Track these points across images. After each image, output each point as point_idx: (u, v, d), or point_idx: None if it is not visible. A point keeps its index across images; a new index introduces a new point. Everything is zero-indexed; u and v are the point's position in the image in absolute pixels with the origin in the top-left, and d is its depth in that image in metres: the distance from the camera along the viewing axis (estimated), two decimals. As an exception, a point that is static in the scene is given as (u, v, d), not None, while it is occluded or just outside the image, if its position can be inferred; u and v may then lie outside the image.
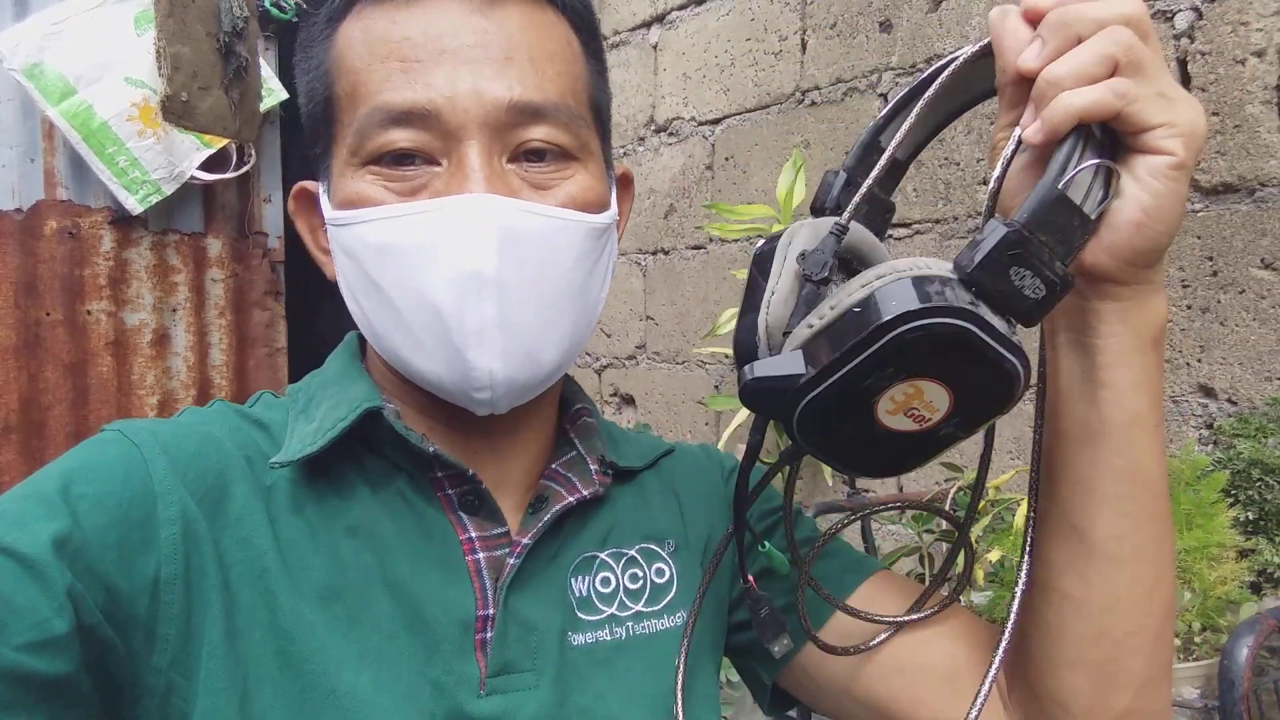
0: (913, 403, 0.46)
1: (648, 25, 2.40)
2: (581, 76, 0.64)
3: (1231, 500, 1.09)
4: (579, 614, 0.66)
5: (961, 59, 0.54)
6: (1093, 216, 0.46)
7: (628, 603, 0.68)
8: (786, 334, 0.50)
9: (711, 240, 2.17)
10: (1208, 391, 1.33)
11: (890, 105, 0.58)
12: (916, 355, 0.44)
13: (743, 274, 1.83)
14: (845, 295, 0.47)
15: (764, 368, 0.48)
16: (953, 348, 0.44)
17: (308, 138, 0.66)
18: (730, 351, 1.94)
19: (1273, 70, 1.26)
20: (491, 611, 0.62)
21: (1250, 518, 1.08)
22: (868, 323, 0.44)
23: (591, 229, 0.62)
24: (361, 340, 0.73)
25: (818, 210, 0.59)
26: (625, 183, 0.73)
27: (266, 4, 2.74)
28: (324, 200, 0.64)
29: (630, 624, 0.68)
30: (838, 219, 0.52)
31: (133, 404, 2.72)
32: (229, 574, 0.58)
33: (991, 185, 0.50)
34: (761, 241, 0.55)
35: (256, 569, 0.58)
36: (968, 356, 0.44)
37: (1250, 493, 1.09)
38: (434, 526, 0.64)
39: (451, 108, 0.58)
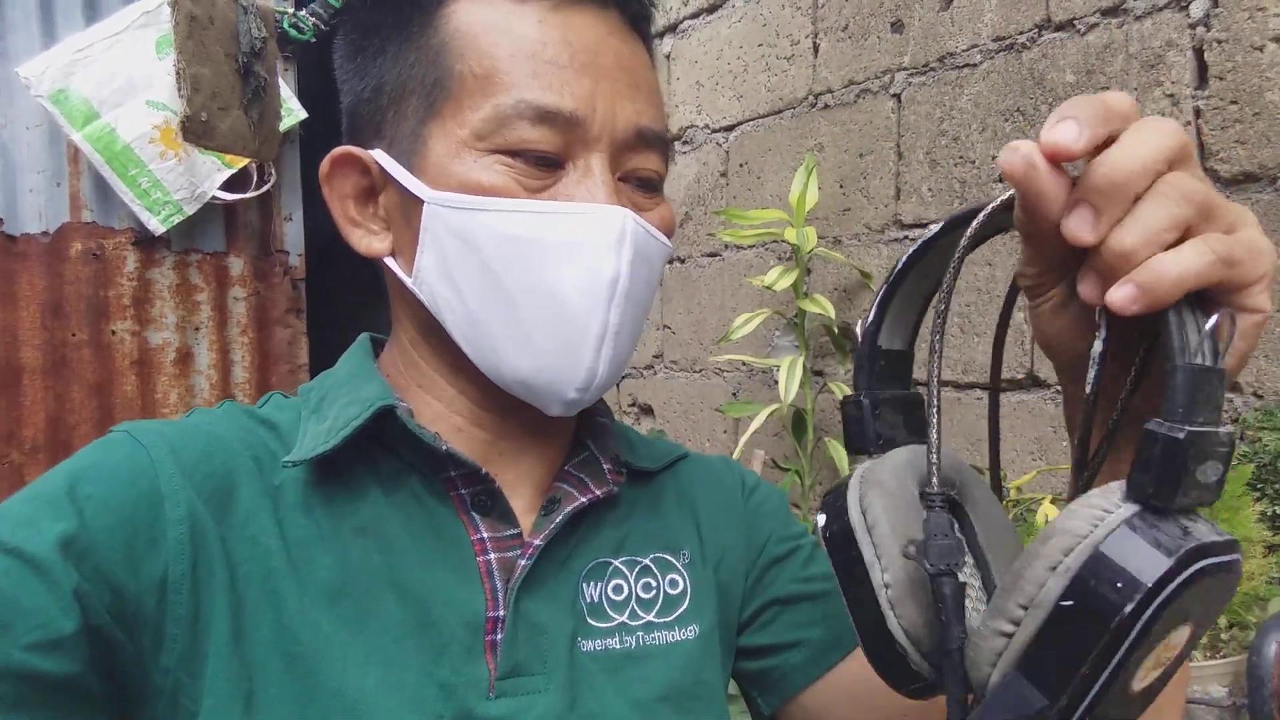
0: (1162, 655, 0.39)
1: (660, 36, 2.40)
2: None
3: (1258, 494, 1.06)
4: (590, 620, 0.66)
5: (934, 235, 0.48)
6: (1223, 366, 0.39)
7: (640, 612, 0.67)
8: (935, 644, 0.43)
9: (726, 247, 2.16)
10: (1233, 386, 1.29)
11: (876, 300, 0.51)
12: (1169, 616, 0.37)
13: (758, 280, 1.83)
14: (1031, 585, 0.38)
15: (997, 712, 0.40)
16: (1197, 585, 0.37)
17: (369, 107, 0.65)
18: (747, 358, 1.93)
19: (1291, 55, 1.23)
20: (502, 613, 0.62)
21: (1277, 512, 1.05)
22: (1111, 611, 0.37)
23: (668, 253, 0.67)
24: (375, 343, 0.73)
25: (857, 449, 0.52)
26: None
27: (285, 25, 2.77)
28: (402, 173, 0.62)
29: (641, 634, 0.67)
30: (927, 488, 0.44)
31: (157, 422, 2.75)
32: (235, 573, 0.58)
33: (1089, 390, 0.42)
34: (821, 521, 0.48)
35: (263, 569, 0.58)
36: (1209, 582, 0.38)
37: (1277, 486, 1.06)
38: (445, 527, 0.63)
39: (594, 118, 0.60)
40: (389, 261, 0.65)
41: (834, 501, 0.48)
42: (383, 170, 0.63)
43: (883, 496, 0.46)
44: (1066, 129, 0.39)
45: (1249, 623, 0.93)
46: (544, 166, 0.60)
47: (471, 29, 0.61)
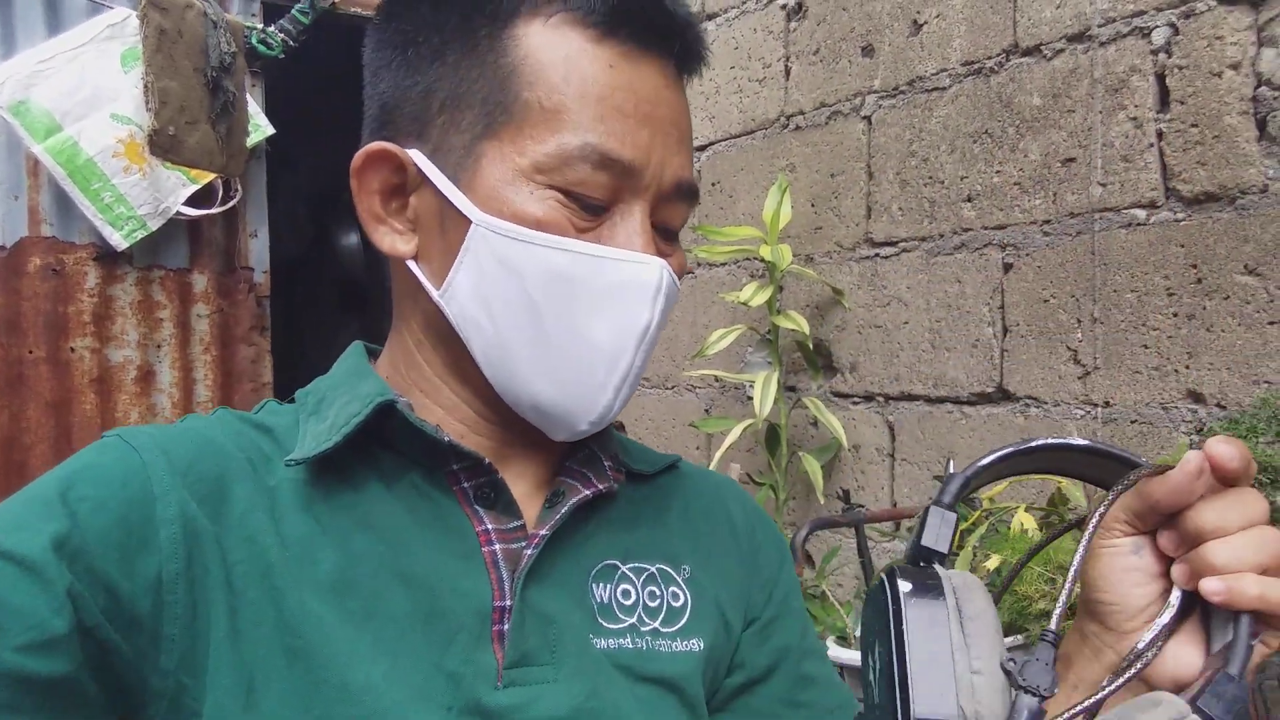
0: None
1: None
2: None
3: (1227, 499, 1.10)
4: (600, 620, 0.66)
5: (1067, 446, 0.54)
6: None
7: (646, 619, 0.68)
8: None
9: (699, 264, 2.18)
10: (1196, 397, 1.34)
11: (992, 459, 0.54)
12: None
13: (733, 296, 1.85)
14: None
15: None
16: None
17: (418, 105, 0.64)
18: (720, 374, 1.95)
19: (1248, 82, 1.29)
20: (509, 603, 0.62)
21: (1246, 516, 1.09)
22: None
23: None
24: (369, 351, 0.73)
25: (925, 556, 0.53)
26: None
27: (254, 40, 2.76)
28: (446, 184, 0.62)
29: (649, 639, 0.67)
30: (1046, 628, 0.48)
31: (116, 441, 2.69)
32: (232, 572, 0.57)
33: (1147, 650, 0.49)
34: (906, 588, 0.49)
35: (261, 566, 0.58)
36: None
37: (1245, 492, 1.10)
38: (450, 518, 0.63)
39: (647, 170, 0.62)
40: (412, 265, 0.65)
41: (922, 575, 0.49)
42: (420, 173, 0.63)
43: (983, 599, 0.49)
44: (1230, 451, 0.49)
45: (1223, 622, 0.96)
46: (593, 210, 0.62)
47: (543, 59, 0.61)
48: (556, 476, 0.69)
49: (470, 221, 0.61)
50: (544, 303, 0.61)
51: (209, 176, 2.68)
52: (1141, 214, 1.40)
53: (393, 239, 0.66)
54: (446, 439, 0.62)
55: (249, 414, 0.67)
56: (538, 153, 0.61)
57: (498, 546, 0.63)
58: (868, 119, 1.84)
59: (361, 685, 0.56)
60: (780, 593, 0.76)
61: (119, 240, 2.63)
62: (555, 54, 0.61)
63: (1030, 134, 1.55)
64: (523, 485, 0.68)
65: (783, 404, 1.88)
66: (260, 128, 2.80)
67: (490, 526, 0.64)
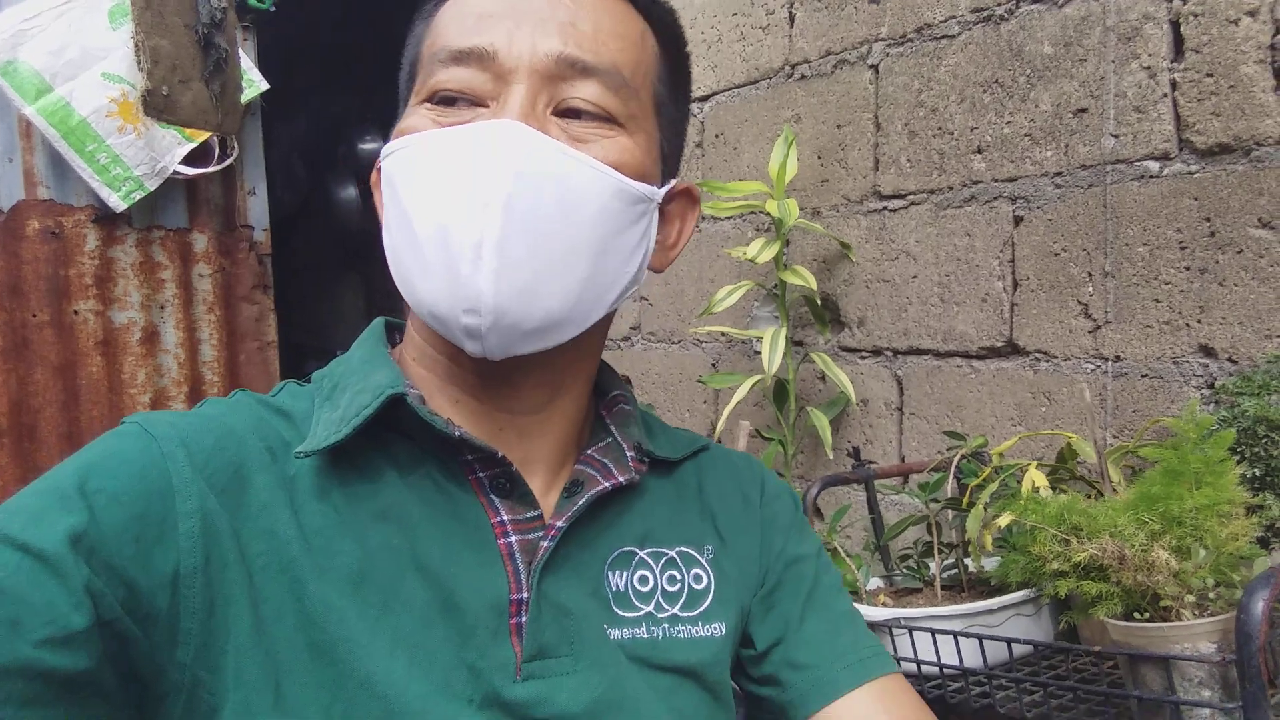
0: None
1: (631, 4, 2.38)
2: (646, 65, 0.67)
3: (1238, 457, 1.10)
4: (615, 608, 0.66)
5: None
6: None
7: (665, 604, 0.68)
8: None
9: (704, 219, 2.16)
10: (1208, 351, 1.34)
11: None
12: None
13: (737, 251, 1.84)
14: None
15: None
16: None
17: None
18: (727, 330, 1.94)
19: (1266, 30, 1.26)
20: (525, 595, 0.62)
21: (1257, 474, 1.09)
22: None
23: (622, 189, 0.63)
24: (389, 327, 0.73)
25: None
26: (690, 198, 0.74)
27: (243, -7, 2.70)
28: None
29: (666, 625, 0.67)
30: None
31: (124, 403, 2.70)
32: (252, 566, 0.58)
33: None
34: None
35: (281, 559, 0.58)
36: None
37: (1256, 449, 1.10)
38: (465, 509, 0.63)
39: (508, 51, 0.61)
40: None
41: None
42: None
43: None
44: None
45: (1234, 581, 0.97)
46: (458, 105, 0.62)
47: (440, 19, 0.65)
48: (575, 465, 0.69)
49: None
50: (407, 198, 0.61)
51: (204, 135, 2.64)
52: (1154, 166, 1.39)
53: None
54: (458, 433, 0.62)
55: (268, 397, 0.67)
56: (418, 85, 0.64)
57: (514, 538, 0.63)
58: (875, 68, 1.80)
59: (384, 678, 0.57)
60: (783, 560, 0.75)
61: (117, 201, 2.60)
62: (447, 10, 0.65)
63: (1041, 84, 1.52)
64: (537, 471, 0.68)
65: (790, 359, 1.88)
66: (254, 84, 2.76)
67: (506, 518, 0.64)
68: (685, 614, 0.68)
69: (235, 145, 2.77)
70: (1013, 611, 1.27)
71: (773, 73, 2.02)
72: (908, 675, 1.28)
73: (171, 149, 2.65)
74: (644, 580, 0.68)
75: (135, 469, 0.56)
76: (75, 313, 2.64)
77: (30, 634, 0.49)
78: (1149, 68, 1.38)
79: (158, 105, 2.29)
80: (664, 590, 0.68)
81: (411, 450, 0.64)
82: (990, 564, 1.34)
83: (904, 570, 1.45)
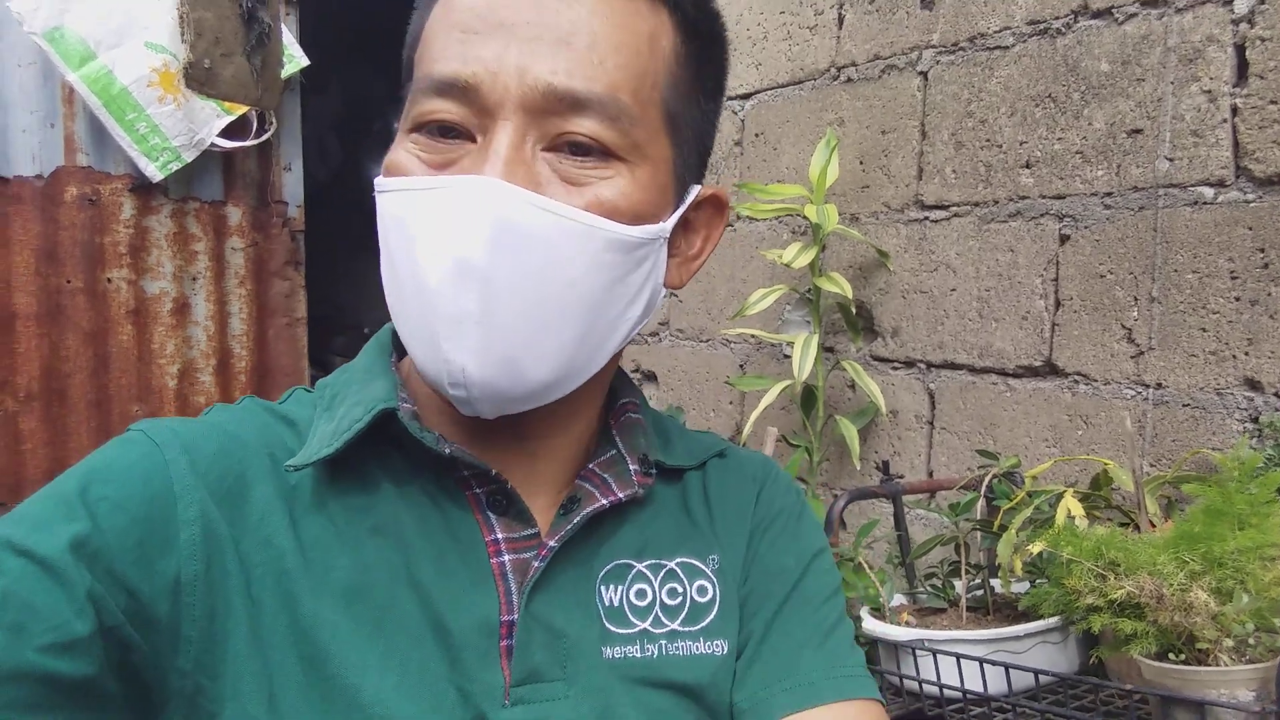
0: None
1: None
2: (654, 75, 0.60)
3: (1284, 499, 1.08)
4: (608, 625, 0.63)
5: None
6: None
7: (664, 619, 0.64)
8: None
9: (739, 218, 2.15)
10: (1254, 385, 1.31)
11: None
12: None
13: (773, 254, 1.82)
14: None
15: None
16: None
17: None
18: (758, 333, 1.92)
19: (1335, 57, 1.23)
20: (515, 617, 0.60)
21: (1303, 517, 1.07)
22: None
23: (615, 240, 0.58)
24: (396, 333, 0.71)
25: None
26: (717, 205, 0.69)
27: (288, -32, 2.69)
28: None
29: (664, 642, 0.64)
30: None
31: (153, 373, 2.72)
32: (250, 575, 0.57)
33: None
34: None
35: (277, 570, 0.58)
36: None
37: (1303, 491, 1.07)
38: (460, 527, 0.62)
39: (492, 83, 0.55)
40: None
41: None
42: None
43: None
44: None
45: (1276, 627, 0.95)
46: (449, 140, 0.57)
47: (431, 17, 0.61)
48: (576, 480, 0.66)
49: None
50: (393, 250, 0.58)
51: (242, 108, 2.65)
52: (1209, 192, 1.35)
53: None
54: (449, 450, 0.60)
55: (275, 405, 0.66)
56: (407, 105, 0.60)
57: (507, 558, 0.62)
58: (924, 74, 1.78)
59: (373, 696, 0.56)
60: (760, 568, 0.70)
61: (154, 171, 2.62)
62: (437, 9, 0.60)
63: (1096, 101, 1.49)
64: (539, 487, 0.65)
65: (820, 365, 1.86)
66: (294, 59, 2.76)
67: (501, 536, 0.62)
68: (686, 629, 0.65)
69: (273, 120, 2.78)
70: (1039, 639, 1.25)
71: (818, 74, 2.00)
72: (929, 699, 1.27)
73: (210, 121, 2.66)
74: (641, 594, 0.65)
75: (138, 476, 0.56)
76: (109, 280, 2.66)
77: (34, 639, 0.49)
78: (1209, 91, 1.35)
79: (199, 78, 2.29)
80: (663, 604, 0.65)
81: (409, 464, 0.62)
82: (1020, 588, 1.32)
83: (929, 589, 1.44)
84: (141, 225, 2.70)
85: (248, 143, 2.75)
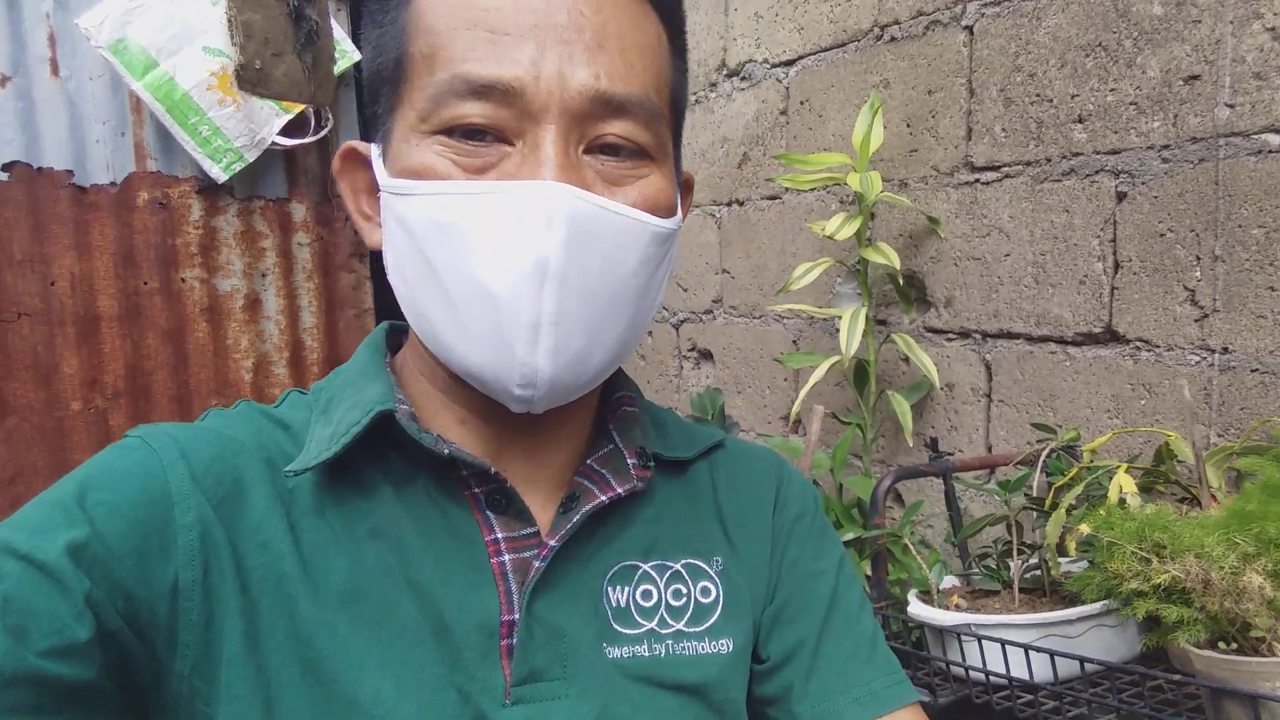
0: None
1: (718, -37, 2.29)
2: (666, 73, 0.62)
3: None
4: (615, 625, 0.63)
5: None
6: None
7: (669, 620, 0.65)
8: None
9: (786, 190, 2.09)
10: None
11: None
12: None
13: (818, 225, 1.76)
14: None
15: None
16: None
17: (367, 96, 0.64)
18: (807, 308, 1.87)
19: None
20: (516, 617, 0.60)
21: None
22: None
23: (657, 233, 0.60)
24: (390, 332, 0.72)
25: None
26: (689, 187, 0.71)
27: (335, -36, 2.72)
28: (378, 163, 0.62)
29: (670, 642, 0.64)
30: None
31: (229, 367, 2.81)
32: (248, 579, 0.58)
33: None
34: None
35: (275, 574, 0.58)
36: None
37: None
38: (459, 527, 0.62)
39: (536, 88, 0.55)
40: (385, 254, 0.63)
41: None
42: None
43: None
44: None
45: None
46: (483, 143, 0.56)
47: (427, 7, 0.58)
48: (574, 477, 0.66)
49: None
50: (434, 255, 0.57)
51: (299, 106, 2.70)
52: (1274, 140, 1.25)
53: (369, 231, 0.65)
54: (447, 451, 0.60)
55: (270, 408, 0.67)
56: (420, 101, 0.57)
57: (507, 557, 0.62)
58: (969, 29, 1.69)
59: (371, 699, 0.56)
60: (797, 573, 0.71)
61: (218, 173, 2.69)
62: (447, 5, 0.58)
63: (1150, 47, 1.39)
64: (538, 485, 0.65)
65: (871, 339, 1.81)
66: (347, 54, 2.79)
67: (500, 535, 0.62)
68: (691, 629, 0.65)
69: (330, 116, 2.83)
70: (1094, 623, 1.18)
71: (861, 35, 1.92)
72: (976, 685, 1.22)
73: (269, 120, 2.72)
74: (647, 595, 0.65)
75: (136, 481, 0.57)
76: (183, 280, 2.76)
77: (35, 643, 0.50)
78: (1273, 29, 1.24)
79: (251, 79, 2.34)
80: (668, 605, 0.66)
81: (407, 465, 0.63)
82: (1078, 568, 1.25)
83: (983, 569, 1.38)
84: (210, 225, 2.78)
85: (307, 139, 2.80)
